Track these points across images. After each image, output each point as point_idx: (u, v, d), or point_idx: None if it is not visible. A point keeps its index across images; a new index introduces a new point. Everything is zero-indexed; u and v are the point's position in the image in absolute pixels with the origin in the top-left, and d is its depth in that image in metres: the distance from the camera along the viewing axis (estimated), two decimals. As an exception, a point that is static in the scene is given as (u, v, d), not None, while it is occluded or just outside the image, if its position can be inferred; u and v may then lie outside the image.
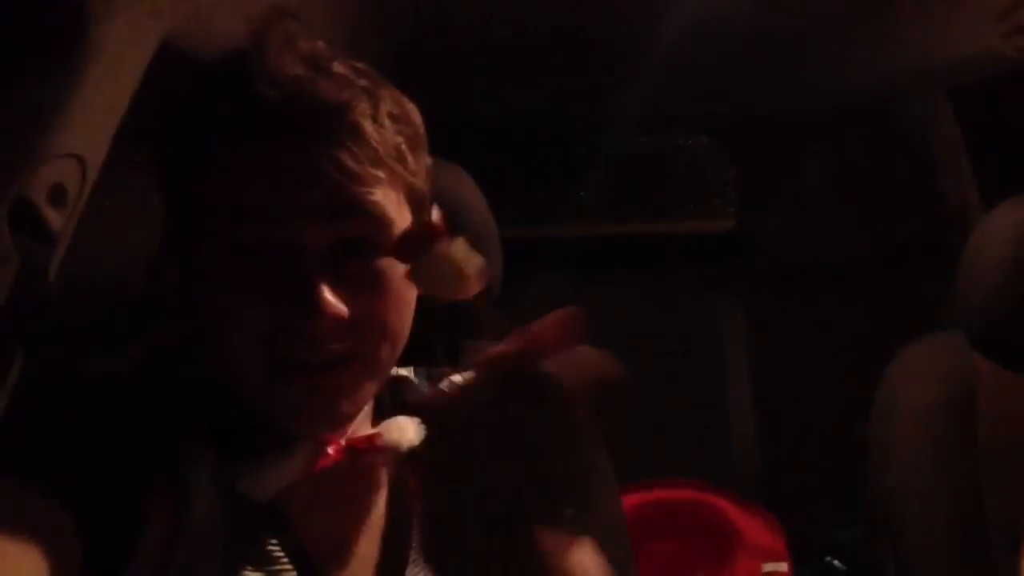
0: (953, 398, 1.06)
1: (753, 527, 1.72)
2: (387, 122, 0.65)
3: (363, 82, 0.65)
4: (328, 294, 0.61)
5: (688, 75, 1.59)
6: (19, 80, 0.64)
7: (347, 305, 0.62)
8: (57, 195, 0.69)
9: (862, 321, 2.00)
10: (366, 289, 0.64)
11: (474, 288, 0.56)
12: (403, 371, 0.81)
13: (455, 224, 0.78)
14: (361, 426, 0.74)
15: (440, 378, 0.83)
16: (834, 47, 1.55)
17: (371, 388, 0.69)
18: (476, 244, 0.94)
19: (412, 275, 0.58)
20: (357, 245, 0.64)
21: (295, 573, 0.67)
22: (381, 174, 0.64)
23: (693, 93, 1.77)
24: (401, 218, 0.67)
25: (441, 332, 0.70)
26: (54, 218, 0.70)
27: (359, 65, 0.67)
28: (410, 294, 0.68)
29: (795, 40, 1.54)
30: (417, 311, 0.70)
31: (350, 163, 0.62)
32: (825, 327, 2.06)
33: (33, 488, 0.58)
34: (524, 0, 1.25)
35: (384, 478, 0.75)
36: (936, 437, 1.05)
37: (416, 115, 0.71)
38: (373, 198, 0.63)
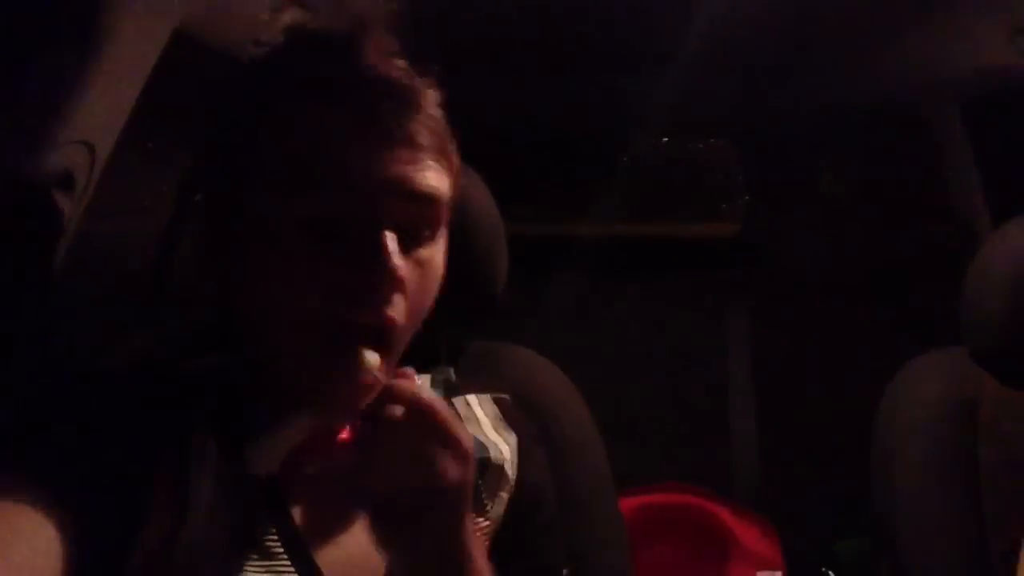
0: (956, 413, 1.06)
1: (749, 535, 1.72)
2: (441, 113, 0.67)
3: (421, 76, 0.67)
4: (394, 247, 0.62)
5: (704, 80, 1.58)
6: (32, 67, 0.64)
7: (407, 275, 0.63)
8: (66, 181, 0.70)
9: (867, 332, 2.00)
10: (416, 268, 0.65)
11: None
12: (418, 379, 0.81)
13: (463, 224, 0.78)
14: None
15: (449, 385, 0.84)
16: (852, 56, 1.55)
17: (391, 370, 0.69)
18: (484, 244, 0.94)
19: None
20: (416, 226, 0.65)
21: (291, 565, 0.67)
22: (444, 162, 0.67)
23: (709, 97, 1.77)
24: (450, 203, 0.69)
25: (444, 333, 0.70)
26: (62, 203, 0.70)
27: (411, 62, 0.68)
28: (441, 275, 0.70)
29: (813, 47, 1.53)
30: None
31: (430, 151, 0.64)
32: (830, 337, 2.05)
33: (32, 480, 0.59)
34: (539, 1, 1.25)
35: None
36: (937, 452, 1.04)
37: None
38: (439, 183, 0.65)
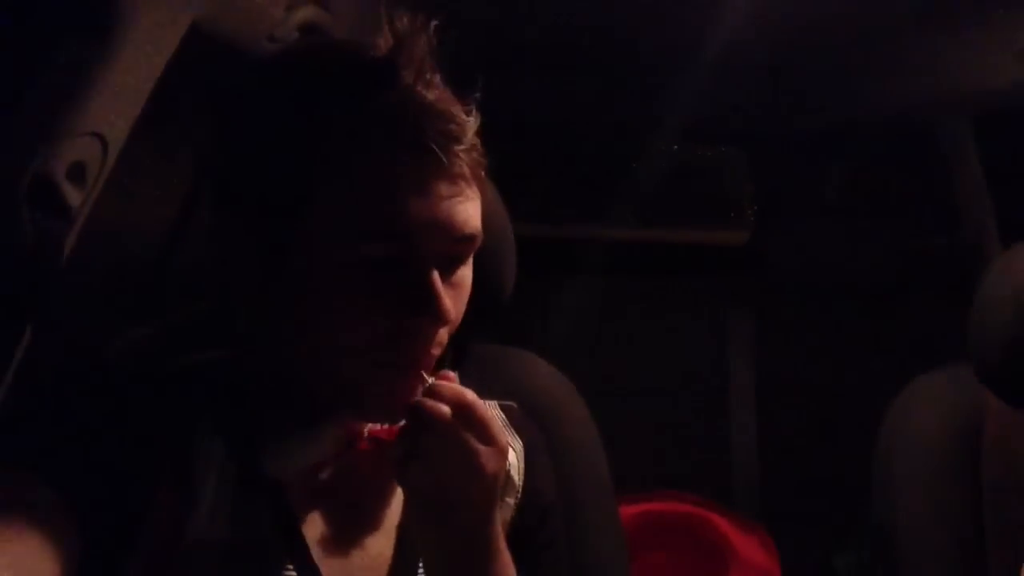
0: (959, 430, 1.06)
1: (748, 545, 1.71)
2: (476, 137, 0.66)
3: (461, 99, 0.66)
4: (443, 292, 0.64)
5: (717, 87, 1.58)
6: (48, 57, 0.64)
7: (452, 309, 0.66)
8: (77, 172, 0.70)
9: (872, 343, 2.00)
10: (452, 291, 0.67)
11: None
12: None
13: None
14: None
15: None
16: (865, 67, 1.55)
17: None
18: (493, 246, 0.94)
19: None
20: (458, 258, 0.68)
21: (294, 570, 0.67)
22: (479, 188, 0.68)
23: (720, 105, 1.76)
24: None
25: (454, 336, 0.70)
26: (73, 195, 0.70)
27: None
28: (468, 296, 0.71)
29: (826, 58, 1.53)
30: None
31: (468, 179, 0.65)
32: (834, 347, 2.05)
33: (36, 476, 0.58)
34: (552, 3, 1.25)
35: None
36: (940, 468, 1.04)
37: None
38: (476, 213, 0.67)
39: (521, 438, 0.83)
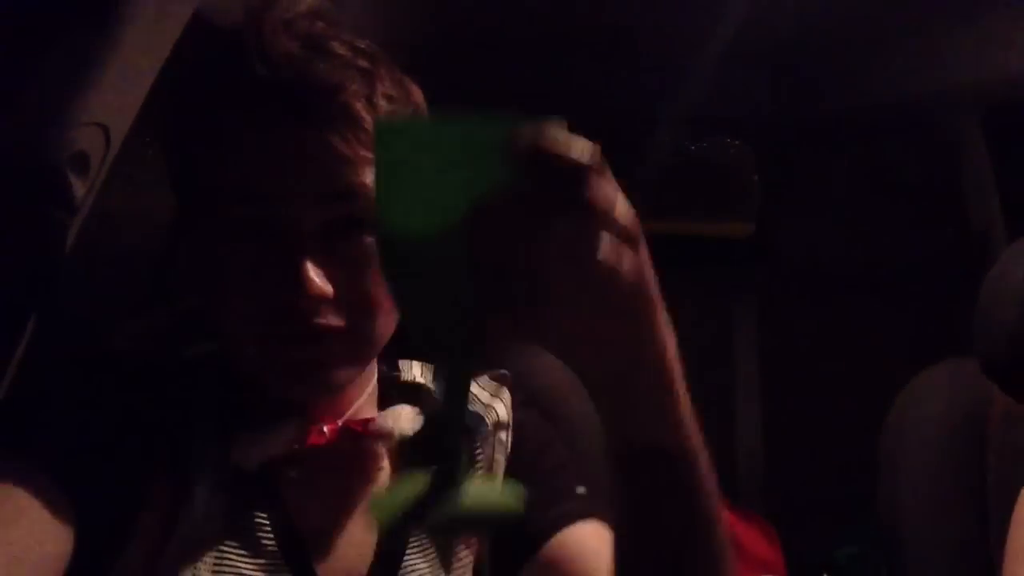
0: (964, 424, 1.05)
1: (750, 537, 1.71)
2: (383, 103, 0.65)
3: (362, 62, 0.64)
4: (313, 273, 0.62)
5: (723, 78, 1.57)
6: (51, 47, 0.64)
7: (336, 282, 0.63)
8: (80, 162, 0.69)
9: (877, 336, 1.99)
10: (355, 267, 0.64)
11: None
12: (420, 379, 0.80)
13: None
14: (363, 412, 0.74)
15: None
16: (872, 58, 1.54)
17: (363, 360, 0.70)
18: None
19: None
20: (347, 225, 0.64)
21: (284, 561, 0.67)
22: (372, 155, 0.64)
23: (726, 96, 1.76)
24: None
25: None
26: (76, 185, 0.70)
27: (361, 44, 0.66)
28: None
29: (833, 49, 1.52)
30: None
31: (341, 146, 0.62)
32: (838, 340, 2.04)
33: (33, 465, 0.59)
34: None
35: (386, 465, 0.75)
36: (944, 462, 1.04)
37: (418, 95, 0.71)
38: (363, 180, 0.63)
39: (509, 392, 0.81)
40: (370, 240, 0.65)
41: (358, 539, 0.71)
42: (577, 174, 0.41)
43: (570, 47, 1.49)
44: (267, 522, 0.68)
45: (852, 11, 1.39)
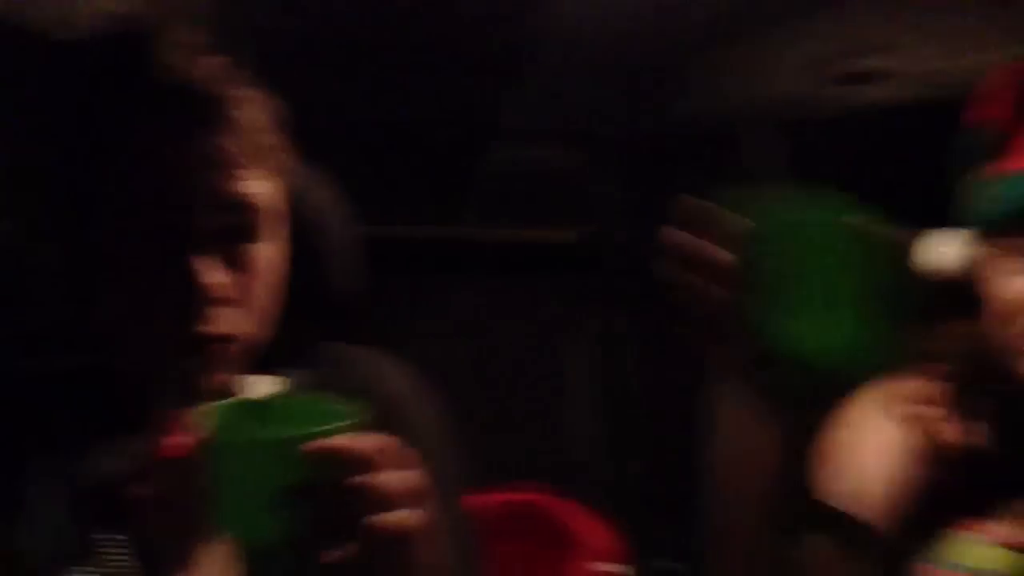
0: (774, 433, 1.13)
1: (589, 530, 1.79)
2: (262, 117, 0.68)
3: (236, 78, 0.67)
4: (208, 277, 0.63)
5: (568, 91, 1.62)
6: None
7: (227, 287, 0.65)
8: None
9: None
10: (244, 272, 0.67)
11: None
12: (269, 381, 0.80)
13: (305, 225, 0.79)
14: None
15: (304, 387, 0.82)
16: (682, 75, 1.63)
17: (241, 370, 0.71)
18: (332, 245, 0.94)
19: None
20: (236, 231, 0.67)
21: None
22: (260, 166, 0.68)
23: (564, 106, 1.81)
24: (277, 205, 0.70)
25: (306, 334, 0.71)
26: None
27: (227, 61, 0.68)
28: (280, 277, 0.71)
29: (649, 64, 1.59)
30: (283, 315, 0.71)
31: (233, 154, 0.65)
32: (672, 341, 2.14)
33: None
34: (396, 4, 1.26)
35: None
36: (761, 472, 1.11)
37: (281, 113, 0.73)
38: (252, 189, 0.67)
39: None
40: (257, 246, 0.68)
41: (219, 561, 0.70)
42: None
43: (415, 55, 1.50)
44: (123, 542, 0.66)
45: (662, 28, 1.47)
